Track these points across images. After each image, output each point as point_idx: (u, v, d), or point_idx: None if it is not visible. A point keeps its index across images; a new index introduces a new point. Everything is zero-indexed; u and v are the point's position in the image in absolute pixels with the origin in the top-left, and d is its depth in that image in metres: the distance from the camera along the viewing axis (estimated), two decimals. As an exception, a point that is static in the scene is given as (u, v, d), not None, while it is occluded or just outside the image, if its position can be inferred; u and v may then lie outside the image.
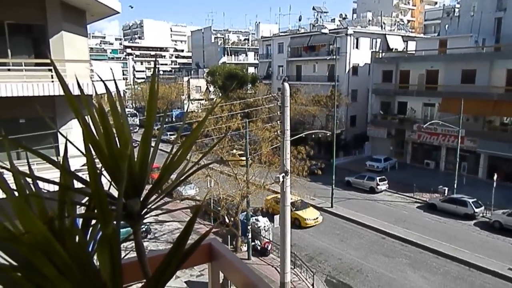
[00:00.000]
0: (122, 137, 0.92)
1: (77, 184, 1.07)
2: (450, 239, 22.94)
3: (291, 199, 23.97)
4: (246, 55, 75.83)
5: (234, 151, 26.52)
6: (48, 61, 13.21)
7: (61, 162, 0.96)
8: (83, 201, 1.02)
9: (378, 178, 31.94)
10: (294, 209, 23.86)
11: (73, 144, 1.06)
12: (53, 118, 14.05)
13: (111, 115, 0.93)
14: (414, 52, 42.34)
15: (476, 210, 25.94)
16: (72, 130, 14.17)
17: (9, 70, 12.85)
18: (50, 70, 13.45)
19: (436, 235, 23.55)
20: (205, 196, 21.63)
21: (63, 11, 13.75)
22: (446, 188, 29.43)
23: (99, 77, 1.18)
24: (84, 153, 0.88)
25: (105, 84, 1.07)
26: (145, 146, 0.99)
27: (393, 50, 45.73)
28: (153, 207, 1.04)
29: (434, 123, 33.08)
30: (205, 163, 1.35)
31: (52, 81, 13.03)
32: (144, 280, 0.98)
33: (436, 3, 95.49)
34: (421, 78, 37.95)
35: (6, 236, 0.76)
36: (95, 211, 0.92)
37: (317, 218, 25.72)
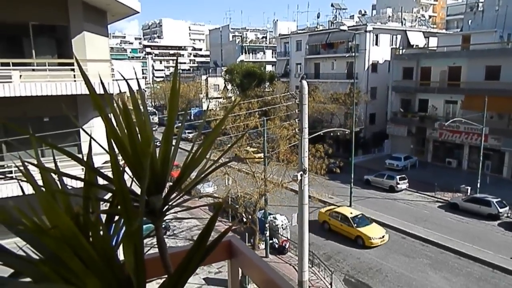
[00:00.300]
0: (144, 135, 0.94)
1: (101, 181, 1.09)
2: (473, 240, 22.39)
3: (351, 213, 23.69)
4: (264, 53, 75.75)
5: (248, 148, 26.44)
6: (71, 61, 13.54)
7: (85, 159, 0.99)
8: (107, 198, 1.05)
9: (398, 177, 31.44)
10: (355, 225, 22.70)
11: (96, 142, 1.08)
12: (75, 116, 14.38)
13: (134, 113, 0.95)
14: (435, 48, 41.43)
15: (501, 210, 25.22)
16: (94, 129, 14.50)
17: (33, 70, 13.22)
18: (73, 69, 13.78)
19: (458, 235, 23.03)
20: (225, 194, 21.75)
21: (85, 11, 14.05)
22: (469, 188, 28.72)
23: (122, 76, 1.20)
24: (107, 150, 0.90)
25: (127, 83, 1.09)
26: (166, 143, 1.00)
27: (414, 46, 44.86)
28: (174, 204, 1.05)
29: (457, 121, 32.29)
30: (224, 161, 1.36)
31: (75, 81, 13.34)
32: (166, 276, 1.00)
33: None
34: (443, 74, 37.10)
35: (35, 230, 0.78)
36: (119, 207, 0.94)
37: (383, 236, 22.52)
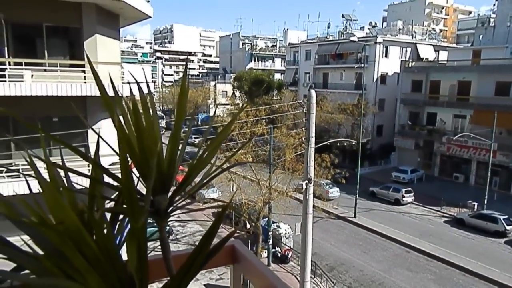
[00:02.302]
0: (152, 135, 0.94)
1: (107, 181, 1.09)
2: (479, 257, 22.05)
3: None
4: (273, 62, 76.04)
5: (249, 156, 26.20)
6: (82, 62, 13.69)
7: (93, 157, 0.99)
8: (113, 196, 1.04)
9: (404, 190, 31.18)
10: None
11: (105, 141, 1.08)
12: (84, 117, 14.51)
13: (143, 114, 0.95)
14: (445, 62, 41.30)
15: (508, 227, 24.84)
16: (102, 130, 14.60)
17: (45, 70, 13.39)
18: (83, 71, 13.94)
19: (463, 252, 22.71)
20: (231, 199, 21.69)
21: (98, 14, 14.23)
22: (476, 203, 28.38)
23: (134, 79, 1.21)
24: (116, 150, 0.90)
25: (138, 86, 1.10)
26: (174, 144, 1.00)
27: (424, 59, 44.74)
28: (179, 205, 1.05)
29: (465, 136, 32.04)
30: (229, 165, 1.36)
31: (85, 82, 13.49)
32: (168, 278, 0.99)
33: (470, 12, 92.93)
34: (452, 89, 36.93)
35: (40, 223, 0.78)
36: (124, 206, 0.93)
37: None
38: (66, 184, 1.00)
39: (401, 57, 43.78)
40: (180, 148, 1.06)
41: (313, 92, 13.41)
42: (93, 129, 1.19)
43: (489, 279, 19.89)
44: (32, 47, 13.67)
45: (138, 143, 0.87)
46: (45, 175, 0.95)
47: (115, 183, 0.97)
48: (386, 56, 43.30)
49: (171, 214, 1.03)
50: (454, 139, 33.17)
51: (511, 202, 29.29)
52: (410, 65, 41.22)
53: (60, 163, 1.07)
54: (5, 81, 11.81)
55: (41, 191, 0.83)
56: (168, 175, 1.00)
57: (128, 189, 0.87)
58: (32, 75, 12.64)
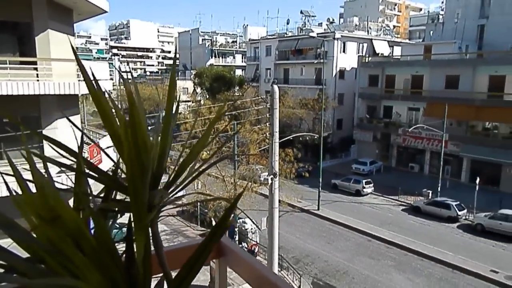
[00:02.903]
0: (142, 129, 0.92)
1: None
2: (434, 242, 23.30)
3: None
4: (234, 58, 75.80)
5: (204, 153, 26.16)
6: (34, 59, 12.98)
7: (77, 152, 0.95)
8: (97, 193, 1.02)
9: (364, 181, 32.26)
10: None
11: (101, 148, 1.04)
12: (38, 117, 13.81)
13: (130, 108, 0.93)
14: (399, 57, 43.05)
15: (459, 213, 26.44)
16: (58, 130, 13.95)
17: (-7, 68, 12.57)
18: (36, 68, 13.23)
19: (420, 238, 23.90)
20: (195, 199, 21.52)
21: (50, 9, 13.54)
22: (430, 191, 29.90)
23: (120, 73, 1.17)
24: (114, 144, 0.87)
25: (132, 75, 1.06)
26: (165, 138, 0.98)
27: (379, 54, 46.37)
28: (167, 201, 1.04)
29: (419, 127, 33.65)
30: (213, 162, 1.36)
31: (38, 80, 12.81)
32: (161, 274, 0.97)
33: (421, 9, 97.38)
34: (406, 82, 38.56)
35: (44, 218, 0.74)
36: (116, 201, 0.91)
37: None
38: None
39: (358, 53, 45.12)
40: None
41: (276, 87, 13.53)
42: (83, 125, 1.14)
43: (444, 262, 21.09)
44: (-23, 44, 12.80)
45: (132, 138, 0.85)
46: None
47: (102, 178, 0.94)
48: (344, 51, 44.44)
49: (162, 210, 1.01)
50: (409, 131, 34.70)
51: (462, 189, 31.13)
52: (366, 60, 42.57)
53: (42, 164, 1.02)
54: None
55: (35, 189, 0.79)
56: (159, 170, 0.98)
57: (134, 185, 0.85)
58: (-22, 73, 11.84)
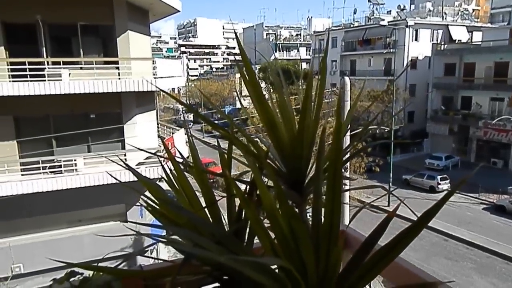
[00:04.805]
0: (288, 116, 0.88)
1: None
2: (522, 245, 21.22)
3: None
4: (298, 51, 75.15)
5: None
6: (116, 59, 13.95)
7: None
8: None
9: (439, 177, 30.30)
10: None
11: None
12: (119, 113, 14.83)
13: (278, 99, 0.90)
14: (480, 43, 39.55)
15: (553, 214, 23.76)
16: (137, 125, 14.91)
17: (81, 68, 13.73)
18: (117, 67, 14.21)
19: (505, 239, 21.88)
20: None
21: (129, 11, 14.42)
22: (517, 189, 27.25)
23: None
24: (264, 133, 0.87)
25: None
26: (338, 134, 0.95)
27: (456, 41, 43.01)
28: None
29: (503, 119, 30.71)
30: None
31: (119, 78, 13.75)
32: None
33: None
34: (488, 70, 35.36)
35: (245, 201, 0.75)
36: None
37: None
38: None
39: (432, 40, 42.24)
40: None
41: (347, 79, 13.01)
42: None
43: (534, 267, 19.13)
44: (68, 46, 14.04)
45: (287, 127, 0.82)
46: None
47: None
48: (416, 39, 41.90)
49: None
50: (492, 123, 31.84)
51: (556, 187, 27.90)
52: (442, 48, 39.73)
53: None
54: (45, 80, 12.19)
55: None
56: (308, 158, 0.95)
57: (335, 168, 0.82)
58: (69, 74, 12.99)
